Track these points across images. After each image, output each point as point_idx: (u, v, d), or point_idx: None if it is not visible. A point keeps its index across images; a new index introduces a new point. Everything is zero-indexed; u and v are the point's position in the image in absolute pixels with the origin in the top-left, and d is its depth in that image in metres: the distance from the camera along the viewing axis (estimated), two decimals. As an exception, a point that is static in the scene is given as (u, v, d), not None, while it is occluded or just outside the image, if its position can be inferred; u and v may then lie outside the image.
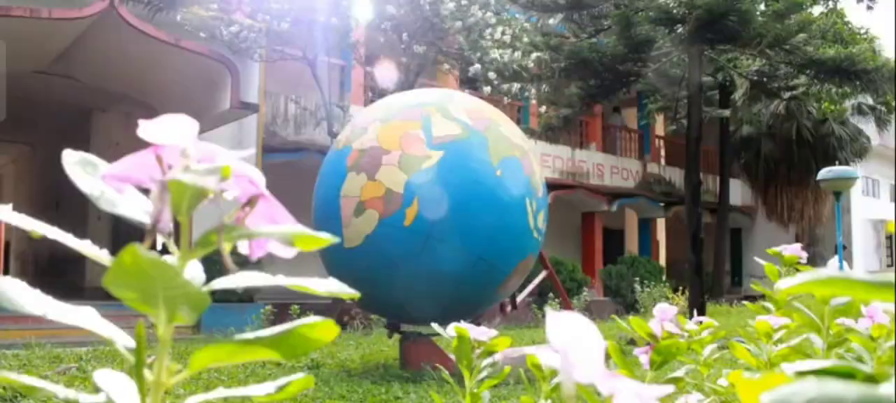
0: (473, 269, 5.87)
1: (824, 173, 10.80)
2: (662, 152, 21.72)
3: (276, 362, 6.51)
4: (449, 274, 5.82)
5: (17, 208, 0.50)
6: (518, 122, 13.28)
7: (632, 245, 20.88)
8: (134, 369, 0.46)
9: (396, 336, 6.94)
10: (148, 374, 0.47)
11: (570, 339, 0.40)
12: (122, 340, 0.48)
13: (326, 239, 0.47)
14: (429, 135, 5.90)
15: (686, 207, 11.21)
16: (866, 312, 1.16)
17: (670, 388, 0.49)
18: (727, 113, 16.52)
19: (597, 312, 14.22)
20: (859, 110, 19.85)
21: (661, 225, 21.23)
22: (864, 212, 23.82)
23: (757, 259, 1.61)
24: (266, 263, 10.24)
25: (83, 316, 0.48)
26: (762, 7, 11.36)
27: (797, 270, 1.37)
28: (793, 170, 19.63)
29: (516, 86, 12.09)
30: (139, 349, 0.46)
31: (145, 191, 0.48)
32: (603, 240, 18.88)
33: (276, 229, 0.47)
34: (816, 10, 14.56)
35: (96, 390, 0.48)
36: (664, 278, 17.19)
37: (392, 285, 5.90)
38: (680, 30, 10.71)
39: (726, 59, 12.57)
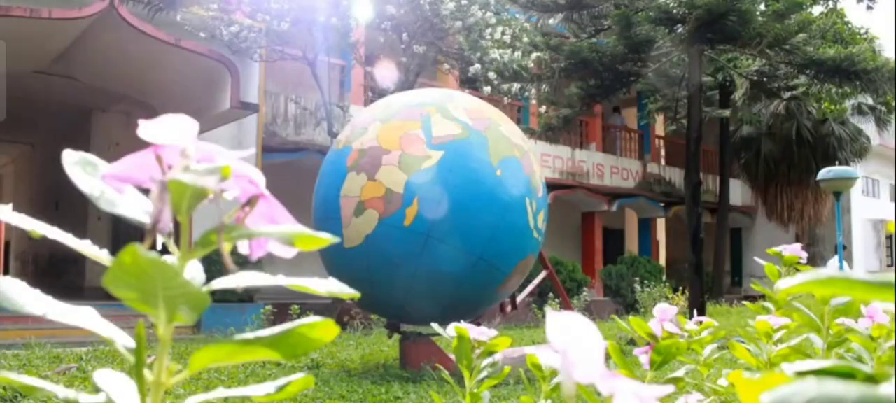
0: (473, 269, 5.87)
1: (824, 173, 10.81)
2: (662, 152, 21.72)
3: (276, 362, 6.51)
4: (449, 274, 5.82)
5: (17, 208, 0.50)
6: (518, 122, 13.29)
7: (632, 245, 20.88)
8: (134, 369, 0.46)
9: (396, 336, 6.94)
10: (148, 374, 0.47)
11: (570, 339, 0.40)
12: (122, 340, 0.48)
13: (326, 239, 0.47)
14: (429, 135, 5.90)
15: (686, 207, 11.21)
16: (866, 312, 1.16)
17: (670, 388, 0.49)
18: (727, 113, 16.52)
19: (597, 312, 14.22)
20: (859, 110, 19.85)
21: (661, 225, 21.23)
22: (864, 212, 23.82)
23: (757, 259, 1.61)
24: (266, 263, 10.25)
25: (83, 316, 0.48)
26: (762, 7, 11.35)
27: (797, 270, 1.37)
28: (793, 170, 19.63)
29: (516, 86, 12.09)
30: (139, 349, 0.46)
31: (145, 191, 0.48)
32: (603, 240, 18.88)
33: (276, 229, 0.47)
34: (816, 10, 14.56)
35: (96, 390, 0.48)
36: (664, 278, 17.18)
37: (392, 285, 5.90)
38: (680, 30, 10.70)
39: (726, 58, 12.56)
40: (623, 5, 10.93)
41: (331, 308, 11.10)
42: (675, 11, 10.40)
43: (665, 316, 1.11)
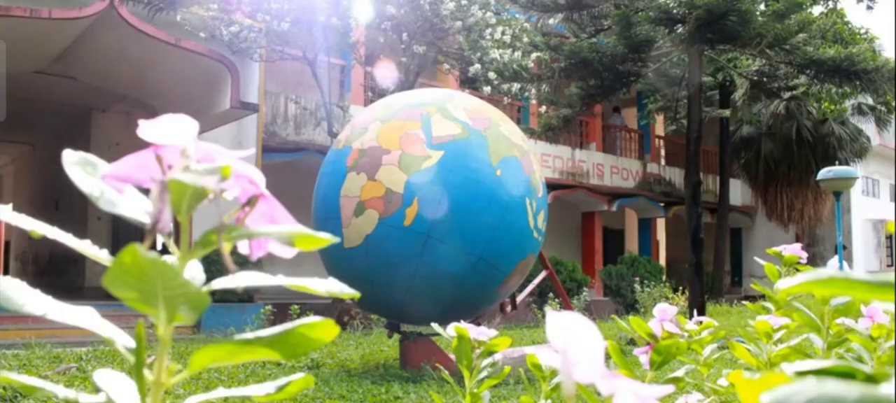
0: (473, 269, 5.87)
1: (824, 173, 10.80)
2: (662, 152, 21.72)
3: (276, 362, 6.51)
4: (449, 274, 5.82)
5: (17, 208, 0.50)
6: (518, 122, 13.28)
7: (632, 245, 20.87)
8: (134, 369, 0.46)
9: (396, 336, 6.94)
10: (148, 374, 0.47)
11: (570, 339, 0.40)
12: (122, 340, 0.48)
13: (326, 239, 0.47)
14: (429, 134, 5.90)
15: (686, 207, 11.21)
16: (866, 312, 1.16)
17: (670, 388, 0.49)
18: (727, 113, 16.52)
19: (597, 312, 14.22)
20: (859, 110, 19.85)
21: (661, 225, 21.23)
22: (864, 212, 23.82)
23: (757, 259, 1.61)
24: (266, 263, 10.24)
25: (83, 316, 0.48)
26: (762, 7, 11.35)
27: (797, 270, 1.37)
28: (793, 170, 19.63)
29: (516, 86, 12.09)
30: (139, 349, 0.46)
31: (145, 191, 0.48)
32: (603, 240, 18.88)
33: (276, 229, 0.47)
34: (816, 10, 14.56)
35: (96, 390, 0.48)
36: (664, 278, 17.19)
37: (392, 285, 5.89)
38: (680, 30, 10.70)
39: (726, 58, 12.56)
40: (623, 5, 10.93)
41: (331, 308, 11.10)
42: (675, 11, 10.40)
43: (665, 316, 1.11)
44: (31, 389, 0.47)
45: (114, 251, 0.43)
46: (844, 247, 20.79)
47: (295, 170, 12.64)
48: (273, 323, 5.92)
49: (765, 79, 13.06)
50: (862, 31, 18.71)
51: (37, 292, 0.48)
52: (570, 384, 0.40)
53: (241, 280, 0.48)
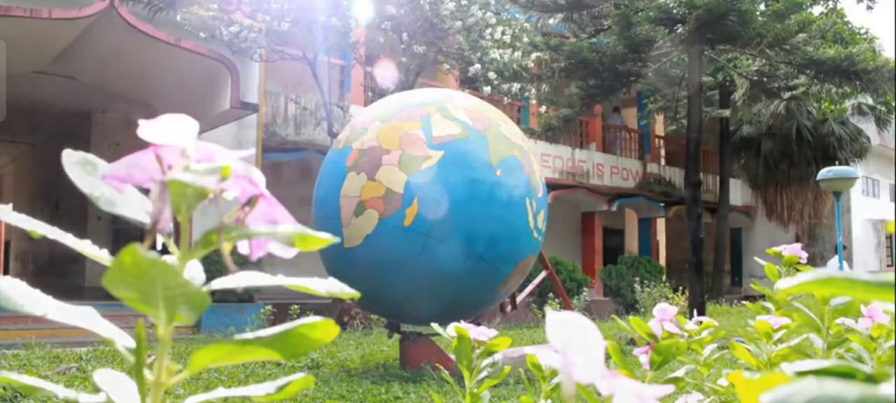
0: (473, 269, 5.87)
1: (824, 173, 10.81)
2: (662, 152, 21.73)
3: (276, 362, 6.51)
4: (449, 274, 5.82)
5: (17, 208, 0.50)
6: (518, 122, 13.29)
7: (632, 245, 20.88)
8: (134, 369, 0.46)
9: (396, 336, 6.94)
10: (148, 374, 0.47)
11: (570, 339, 0.40)
12: (122, 340, 0.48)
13: (326, 239, 0.47)
14: (429, 134, 5.90)
15: (686, 207, 11.21)
16: (866, 312, 1.16)
17: (670, 388, 0.49)
18: (727, 113, 16.52)
19: (597, 312, 14.22)
20: (859, 110, 19.86)
21: (661, 225, 21.23)
22: (864, 212, 23.82)
23: (757, 259, 1.61)
24: (266, 263, 10.24)
25: (83, 316, 0.48)
26: (762, 7, 11.35)
27: (797, 270, 1.37)
28: (793, 170, 19.63)
29: (516, 86, 12.09)
30: (139, 349, 0.46)
31: (145, 191, 0.48)
32: (603, 240, 18.89)
33: (276, 229, 0.47)
34: (816, 10, 14.56)
35: (96, 390, 0.48)
36: (664, 278, 17.18)
37: (392, 285, 5.89)
38: (680, 30, 10.70)
39: (726, 58, 12.56)
40: (623, 5, 10.93)
41: (331, 308, 11.10)
42: (675, 11, 10.40)
43: (665, 316, 1.11)
44: (31, 389, 0.47)
45: (114, 251, 0.43)
46: (844, 247, 20.78)
47: (295, 170, 12.65)
48: (273, 323, 5.92)
49: (765, 79, 13.05)
50: (862, 31, 18.72)
51: (37, 292, 0.48)
52: (570, 384, 0.40)
53: (241, 280, 0.48)
